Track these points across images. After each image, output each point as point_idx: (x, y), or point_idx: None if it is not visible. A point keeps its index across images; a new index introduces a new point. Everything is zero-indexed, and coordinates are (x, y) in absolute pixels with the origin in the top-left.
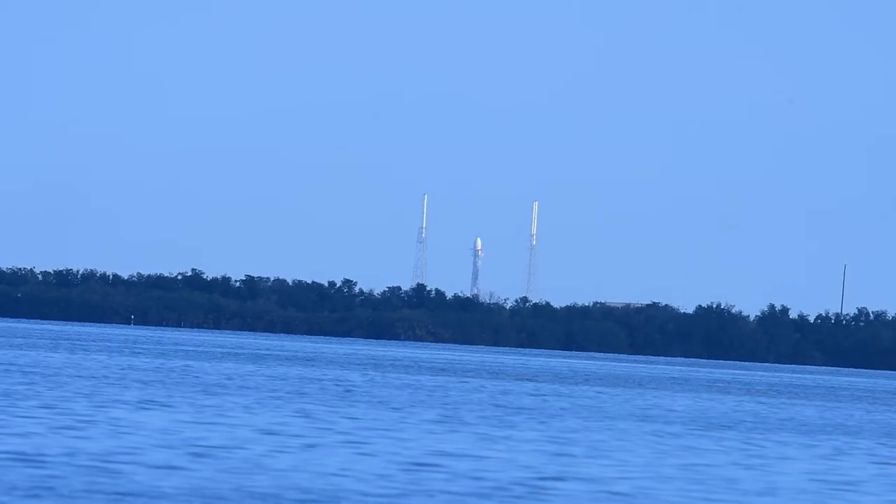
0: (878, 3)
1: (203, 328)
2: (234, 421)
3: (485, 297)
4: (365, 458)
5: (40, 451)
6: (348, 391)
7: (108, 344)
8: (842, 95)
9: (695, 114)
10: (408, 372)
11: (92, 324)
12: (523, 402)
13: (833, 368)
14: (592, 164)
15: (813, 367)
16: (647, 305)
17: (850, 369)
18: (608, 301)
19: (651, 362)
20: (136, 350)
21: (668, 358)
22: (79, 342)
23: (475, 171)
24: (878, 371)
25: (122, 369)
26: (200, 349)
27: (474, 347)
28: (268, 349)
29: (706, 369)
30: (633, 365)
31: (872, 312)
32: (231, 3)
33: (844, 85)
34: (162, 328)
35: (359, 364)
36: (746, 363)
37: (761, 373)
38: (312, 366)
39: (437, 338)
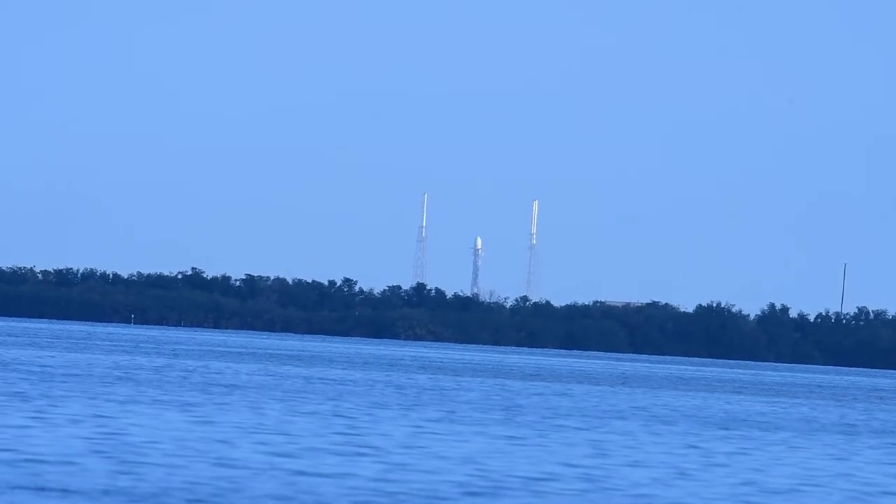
0: (878, 3)
1: (203, 327)
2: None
3: (485, 296)
4: None
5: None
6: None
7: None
8: (842, 95)
9: (695, 114)
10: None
11: (92, 323)
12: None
13: (834, 368)
14: (592, 164)
15: (815, 366)
16: (647, 304)
17: (851, 368)
18: (608, 300)
19: (677, 363)
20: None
21: (669, 357)
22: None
23: (475, 170)
24: (879, 370)
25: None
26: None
27: (480, 347)
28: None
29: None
30: None
31: (872, 311)
32: (231, 3)
33: (844, 85)
34: (162, 327)
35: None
36: (746, 362)
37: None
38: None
39: (437, 337)
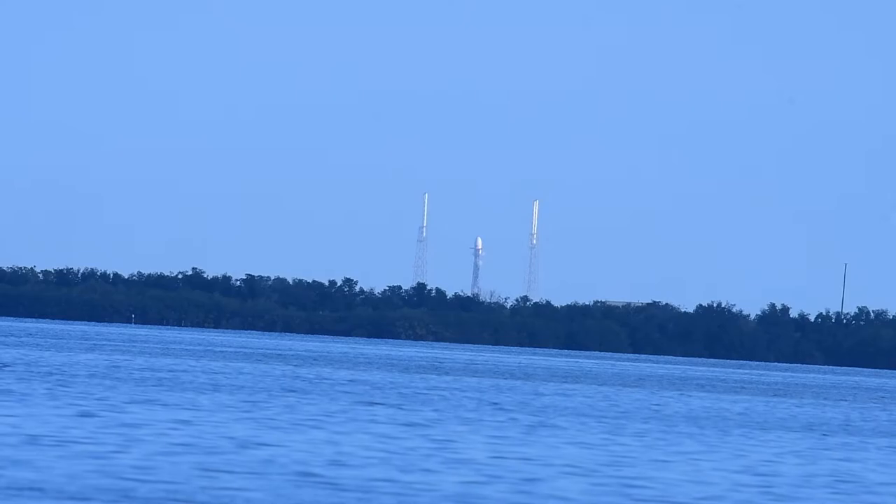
0: (878, 3)
1: (204, 327)
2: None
3: (485, 297)
4: None
5: None
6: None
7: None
8: (842, 95)
9: (695, 114)
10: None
11: (93, 323)
12: None
13: (834, 368)
14: (593, 164)
15: (815, 366)
16: (648, 304)
17: (851, 368)
18: (609, 300)
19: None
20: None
21: (669, 357)
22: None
23: (476, 170)
24: (879, 370)
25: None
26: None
27: (479, 347)
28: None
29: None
30: None
31: (873, 311)
32: (231, 3)
33: (844, 85)
34: (162, 327)
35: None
36: (747, 362)
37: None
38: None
39: (437, 337)
